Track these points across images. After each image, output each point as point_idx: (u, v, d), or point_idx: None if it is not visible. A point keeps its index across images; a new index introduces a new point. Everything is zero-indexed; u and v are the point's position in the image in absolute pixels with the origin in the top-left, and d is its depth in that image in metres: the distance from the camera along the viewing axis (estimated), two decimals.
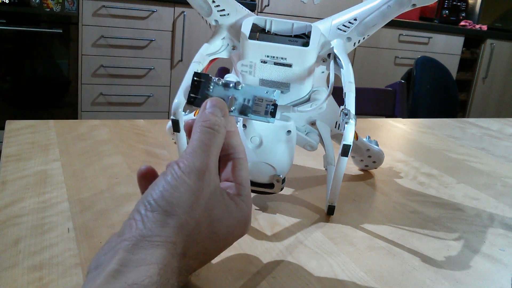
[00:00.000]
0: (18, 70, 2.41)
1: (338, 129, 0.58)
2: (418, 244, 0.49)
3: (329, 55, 0.52)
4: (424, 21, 3.48)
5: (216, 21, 0.52)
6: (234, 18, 0.52)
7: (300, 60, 0.49)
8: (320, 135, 0.56)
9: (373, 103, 1.41)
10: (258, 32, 0.50)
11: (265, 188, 0.51)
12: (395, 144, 0.86)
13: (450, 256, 0.47)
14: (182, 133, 0.48)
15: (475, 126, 1.07)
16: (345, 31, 0.52)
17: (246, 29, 0.49)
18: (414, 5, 0.51)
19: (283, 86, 0.50)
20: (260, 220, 0.51)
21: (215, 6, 0.51)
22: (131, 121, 0.82)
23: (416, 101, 2.22)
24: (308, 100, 0.52)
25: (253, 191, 0.52)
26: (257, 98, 0.37)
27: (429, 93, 2.28)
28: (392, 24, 3.05)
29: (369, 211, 0.56)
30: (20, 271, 0.38)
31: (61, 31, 2.39)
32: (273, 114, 0.37)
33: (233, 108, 0.37)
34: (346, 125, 0.46)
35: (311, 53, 0.49)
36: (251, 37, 0.49)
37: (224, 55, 0.53)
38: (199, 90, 0.36)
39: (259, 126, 0.49)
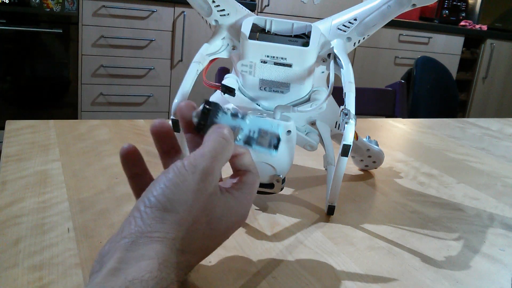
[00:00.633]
0: (18, 70, 2.41)
1: (338, 129, 0.58)
2: (418, 244, 0.49)
3: (329, 55, 0.52)
4: (424, 21, 3.48)
5: (216, 21, 0.52)
6: (234, 18, 0.52)
7: (300, 60, 0.49)
8: (320, 135, 0.56)
9: (373, 103, 1.41)
10: (258, 32, 0.50)
11: (265, 188, 0.51)
12: (395, 144, 0.86)
13: (450, 256, 0.47)
14: (182, 133, 0.48)
15: (475, 126, 1.07)
16: (345, 31, 0.52)
17: (246, 29, 0.49)
18: (414, 5, 0.51)
19: (283, 86, 0.50)
20: (260, 220, 0.51)
21: (215, 6, 0.51)
22: (131, 121, 0.82)
23: (416, 101, 2.22)
24: (308, 100, 0.52)
25: None
26: (262, 131, 0.38)
27: (429, 93, 2.28)
28: (392, 24, 3.05)
29: (369, 211, 0.56)
30: (20, 271, 0.38)
31: (61, 31, 2.39)
32: (276, 147, 0.38)
33: (239, 137, 0.38)
34: (346, 125, 0.46)
35: (311, 53, 0.49)
36: (251, 37, 0.49)
37: (224, 55, 0.53)
38: (208, 118, 0.37)
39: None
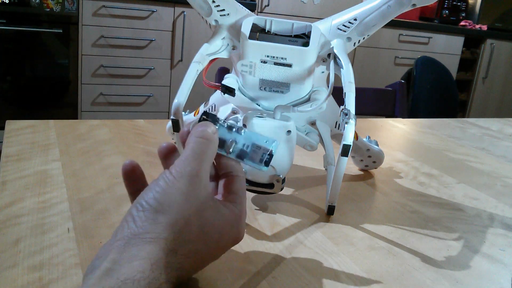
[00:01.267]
0: (18, 70, 2.40)
1: (338, 129, 0.58)
2: (418, 244, 0.49)
3: (329, 55, 0.52)
4: (424, 21, 3.48)
5: (216, 21, 0.52)
6: (234, 18, 0.52)
7: (300, 60, 0.49)
8: (320, 135, 0.56)
9: (373, 103, 1.41)
10: (258, 32, 0.50)
11: (265, 188, 0.51)
12: (395, 144, 0.86)
13: (450, 256, 0.47)
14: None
15: (475, 126, 1.07)
16: (345, 31, 0.52)
17: (246, 29, 0.49)
18: (414, 5, 0.51)
19: (283, 86, 0.50)
20: (260, 220, 0.51)
21: (215, 6, 0.51)
22: (131, 121, 0.82)
23: (416, 101, 2.22)
24: (308, 100, 0.52)
25: (253, 191, 0.52)
26: (255, 146, 0.39)
27: (429, 93, 2.28)
28: (392, 24, 3.04)
29: (369, 211, 0.56)
30: (20, 271, 0.38)
31: (61, 31, 2.39)
32: (267, 164, 0.39)
33: (231, 150, 0.39)
34: (346, 125, 0.46)
35: (311, 53, 0.49)
36: (251, 37, 0.49)
37: (224, 55, 0.53)
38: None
39: (259, 126, 0.49)
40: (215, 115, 0.39)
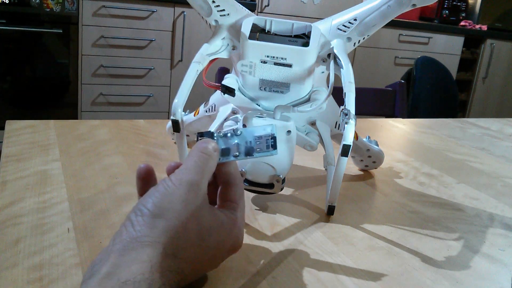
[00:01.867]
0: (18, 70, 2.40)
1: (338, 129, 0.58)
2: (418, 244, 0.49)
3: (329, 55, 0.52)
4: (424, 21, 3.48)
5: (216, 21, 0.52)
6: (234, 18, 0.52)
7: (300, 60, 0.49)
8: (320, 135, 0.56)
9: (373, 103, 1.41)
10: (258, 32, 0.50)
11: (265, 188, 0.51)
12: (395, 144, 0.86)
13: (450, 256, 0.47)
14: (182, 133, 0.48)
15: (475, 126, 1.07)
16: (345, 31, 0.52)
17: (246, 29, 0.49)
18: (414, 5, 0.51)
19: (283, 86, 0.50)
20: (260, 220, 0.51)
21: (215, 6, 0.51)
22: (131, 121, 0.82)
23: (416, 101, 2.22)
24: (308, 100, 0.52)
25: (253, 191, 0.52)
26: (257, 138, 0.40)
27: (429, 93, 2.28)
28: (392, 24, 3.04)
29: (369, 211, 0.56)
30: (20, 271, 0.38)
31: (61, 31, 2.39)
32: (274, 147, 0.40)
33: (238, 152, 0.40)
34: (346, 125, 0.46)
35: (311, 53, 0.49)
36: (251, 37, 0.49)
37: (224, 55, 0.53)
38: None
39: None
40: (209, 132, 0.40)
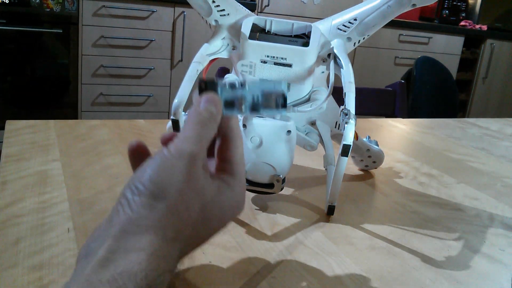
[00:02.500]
0: (18, 70, 2.40)
1: (338, 129, 0.58)
2: (418, 244, 0.49)
3: (329, 55, 0.52)
4: (424, 21, 3.48)
5: (216, 21, 0.52)
6: (234, 18, 0.52)
7: (300, 60, 0.49)
8: (320, 135, 0.56)
9: (373, 103, 1.41)
10: (258, 32, 0.50)
11: (265, 188, 0.51)
12: (395, 144, 0.85)
13: (450, 256, 0.47)
14: None
15: (475, 126, 1.07)
16: (345, 31, 0.52)
17: (246, 29, 0.49)
18: (414, 5, 0.51)
19: None
20: (260, 220, 0.51)
21: (215, 6, 0.51)
22: (131, 121, 0.82)
23: (416, 101, 2.22)
24: (308, 100, 0.52)
25: (253, 191, 0.52)
26: (265, 93, 0.37)
27: (429, 93, 2.28)
28: (392, 24, 3.04)
29: (369, 211, 0.56)
30: (20, 271, 0.38)
31: (61, 31, 2.39)
32: (284, 106, 0.37)
33: (244, 107, 0.37)
34: (346, 125, 0.46)
35: (311, 53, 0.49)
36: (251, 37, 0.49)
37: (224, 55, 0.53)
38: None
39: (259, 126, 0.49)
40: (213, 79, 0.36)
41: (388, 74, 3.24)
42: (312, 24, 0.51)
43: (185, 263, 0.41)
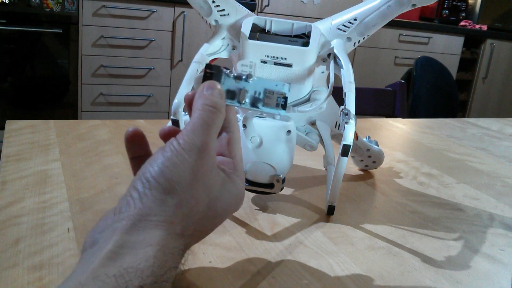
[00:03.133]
0: (18, 70, 2.41)
1: (338, 129, 0.58)
2: (418, 244, 0.49)
3: (329, 55, 0.52)
4: (424, 21, 3.48)
5: (216, 21, 0.52)
6: (234, 18, 0.52)
7: (300, 60, 0.49)
8: (320, 135, 0.56)
9: (373, 103, 1.41)
10: (258, 32, 0.51)
11: (265, 188, 0.51)
12: (395, 144, 0.86)
13: (450, 256, 0.47)
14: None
15: (475, 126, 1.07)
16: (345, 31, 0.52)
17: (246, 29, 0.49)
18: (414, 5, 0.51)
19: None
20: (260, 220, 0.51)
21: (215, 6, 0.51)
22: (131, 121, 0.82)
23: (416, 101, 2.22)
24: (308, 100, 0.52)
25: (253, 191, 0.52)
26: (267, 91, 0.37)
27: (429, 93, 2.28)
28: (392, 24, 3.04)
29: (369, 211, 0.56)
30: (20, 271, 0.38)
31: (61, 31, 2.39)
32: (284, 107, 0.37)
33: (244, 100, 0.37)
34: (346, 125, 0.46)
35: (311, 53, 0.49)
36: (251, 37, 0.49)
37: (224, 55, 0.53)
38: None
39: (259, 126, 0.49)
40: (219, 67, 0.37)
41: (388, 74, 3.25)
42: (312, 24, 0.51)
43: (188, 262, 0.41)
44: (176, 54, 2.66)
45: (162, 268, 0.28)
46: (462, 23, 3.52)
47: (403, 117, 1.33)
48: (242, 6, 0.53)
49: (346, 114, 0.47)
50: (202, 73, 0.37)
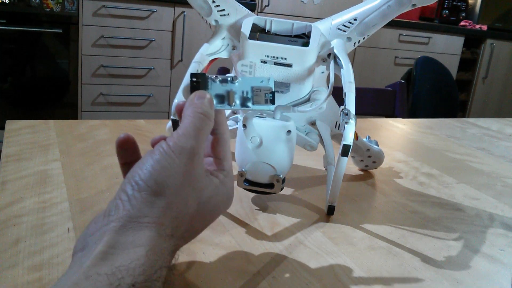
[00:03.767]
0: (18, 70, 2.41)
1: (338, 129, 0.58)
2: (418, 244, 0.49)
3: (329, 55, 0.52)
4: (424, 21, 3.48)
5: (216, 21, 0.52)
6: (234, 18, 0.52)
7: (300, 60, 0.49)
8: (320, 135, 0.56)
9: (373, 103, 1.41)
10: (258, 32, 0.51)
11: (265, 188, 0.51)
12: (395, 144, 0.86)
13: (450, 256, 0.47)
14: None
15: (475, 126, 1.07)
16: (345, 31, 0.52)
17: (246, 29, 0.49)
18: (414, 5, 0.51)
19: (283, 86, 0.50)
20: (260, 220, 0.51)
21: (215, 6, 0.51)
22: (131, 121, 0.82)
23: (416, 101, 2.22)
24: (308, 100, 0.52)
25: (253, 191, 0.52)
26: (254, 89, 0.38)
27: (429, 93, 2.28)
28: (392, 24, 3.05)
29: (369, 211, 0.56)
30: (20, 271, 0.38)
31: (61, 31, 2.39)
32: (272, 102, 0.38)
33: (234, 102, 0.38)
34: (346, 125, 0.46)
35: (311, 53, 0.49)
36: (251, 37, 0.49)
37: (224, 55, 0.53)
38: (198, 90, 0.37)
39: (259, 126, 0.49)
40: (204, 74, 0.38)
41: (388, 74, 3.24)
42: (312, 24, 0.51)
43: (184, 263, 0.41)
44: (176, 54, 2.66)
45: (153, 268, 0.29)
46: (462, 23, 3.52)
47: (403, 117, 1.33)
48: (242, 6, 0.53)
49: (346, 114, 0.47)
50: (189, 82, 0.37)
